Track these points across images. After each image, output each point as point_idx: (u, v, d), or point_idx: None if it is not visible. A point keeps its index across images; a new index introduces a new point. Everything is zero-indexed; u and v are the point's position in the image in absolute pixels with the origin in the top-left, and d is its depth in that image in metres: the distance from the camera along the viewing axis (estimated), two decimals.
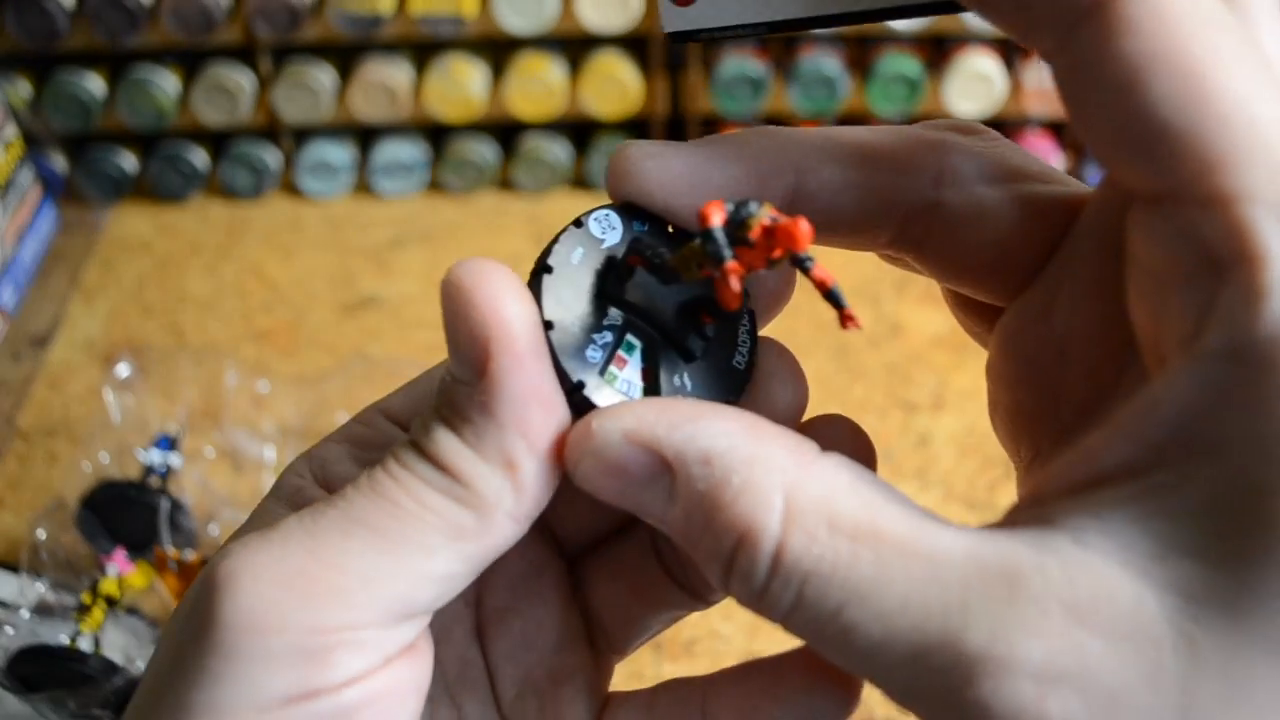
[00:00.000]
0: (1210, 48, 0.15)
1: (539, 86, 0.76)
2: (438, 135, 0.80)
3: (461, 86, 0.75)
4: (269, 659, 0.17)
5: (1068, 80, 0.16)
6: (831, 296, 0.19)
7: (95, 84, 0.75)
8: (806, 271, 0.18)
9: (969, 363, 0.66)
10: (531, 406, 0.19)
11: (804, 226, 0.17)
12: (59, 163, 0.77)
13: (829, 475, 0.17)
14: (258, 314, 0.72)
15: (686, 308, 0.21)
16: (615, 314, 0.20)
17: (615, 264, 0.20)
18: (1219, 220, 0.15)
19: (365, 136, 0.80)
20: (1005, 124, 0.79)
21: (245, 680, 0.17)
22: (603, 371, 0.20)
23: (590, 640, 0.24)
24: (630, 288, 0.20)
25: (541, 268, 0.20)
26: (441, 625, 0.23)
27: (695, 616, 0.55)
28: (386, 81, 0.75)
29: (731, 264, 0.18)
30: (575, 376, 0.19)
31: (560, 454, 0.19)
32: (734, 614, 0.53)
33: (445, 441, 0.19)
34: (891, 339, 0.69)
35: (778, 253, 0.17)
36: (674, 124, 0.79)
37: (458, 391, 0.19)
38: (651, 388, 0.20)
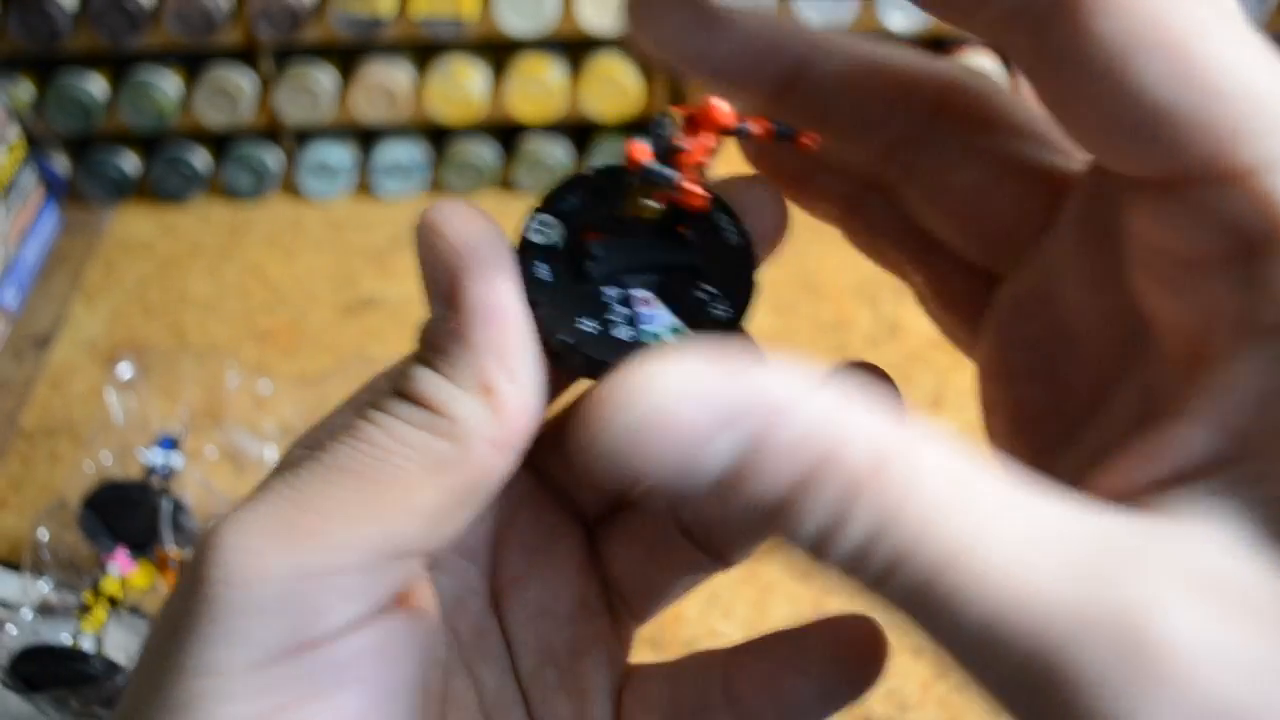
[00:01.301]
0: (1192, 19, 0.14)
1: (539, 88, 0.76)
2: (438, 137, 0.80)
3: (462, 88, 0.76)
4: (257, 611, 0.17)
5: (1046, 75, 0.16)
6: (781, 135, 0.19)
7: (97, 86, 0.75)
8: (747, 136, 0.18)
9: (968, 363, 0.66)
10: (504, 326, 0.19)
11: (718, 104, 0.17)
12: (61, 164, 0.77)
13: (925, 430, 0.15)
14: (259, 314, 0.72)
15: (659, 231, 0.21)
16: (611, 289, 0.20)
17: (576, 250, 0.21)
18: (1243, 195, 0.14)
19: (366, 138, 0.80)
20: None
21: (237, 636, 0.17)
22: (639, 338, 0.20)
23: (610, 608, 0.24)
24: (600, 259, 0.20)
25: (531, 304, 0.20)
26: (456, 594, 0.23)
27: (695, 614, 0.56)
28: (387, 83, 0.75)
29: (682, 182, 0.18)
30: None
31: (554, 366, 0.19)
32: (734, 613, 0.53)
33: (422, 376, 0.19)
34: (891, 339, 0.69)
35: (712, 141, 0.18)
36: None
37: (433, 328, 0.19)
38: (688, 315, 0.20)
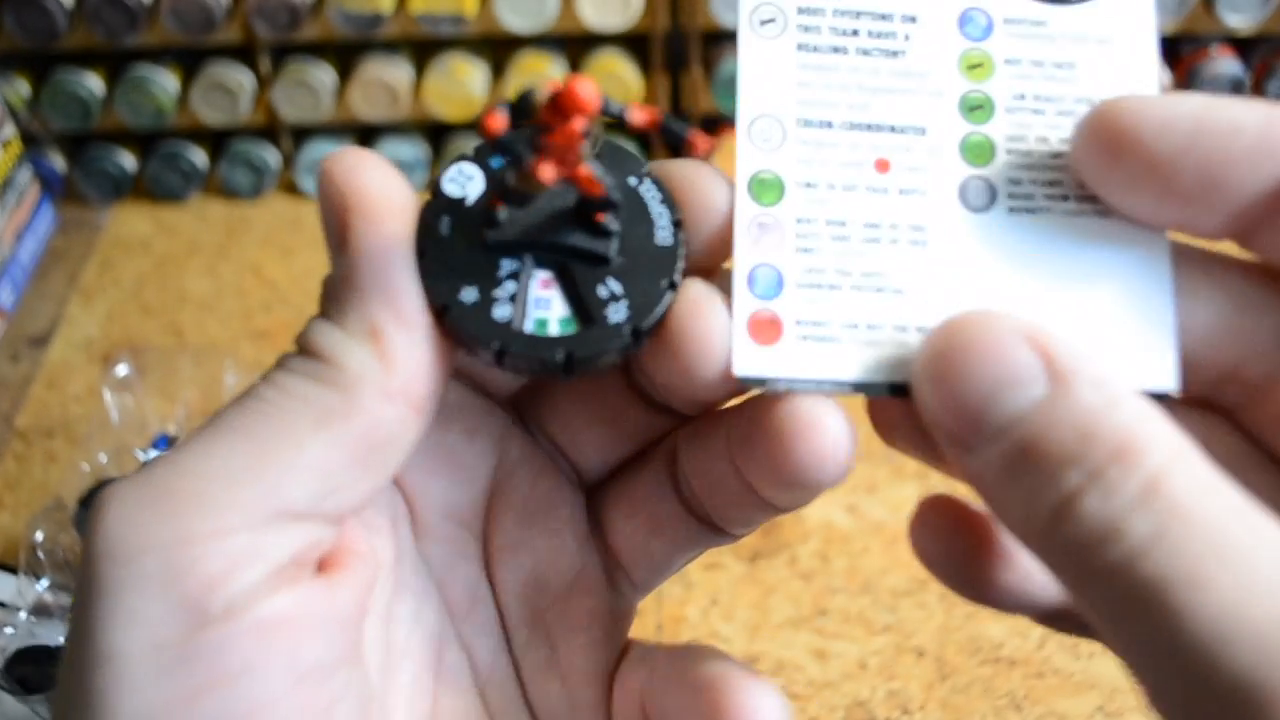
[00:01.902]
0: None
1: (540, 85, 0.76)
2: (438, 134, 0.80)
3: (462, 85, 0.75)
4: (144, 584, 0.16)
5: None
6: (668, 131, 0.18)
7: (94, 83, 0.75)
8: (625, 122, 0.17)
9: None
10: (391, 267, 0.18)
11: (585, 88, 0.16)
12: (58, 162, 0.77)
13: (1207, 458, 0.16)
14: (257, 313, 0.72)
15: (573, 214, 0.19)
16: (509, 261, 0.19)
17: (483, 211, 0.19)
18: None
19: (365, 136, 0.80)
20: None
21: (129, 615, 0.16)
22: (520, 324, 0.19)
23: (610, 580, 0.23)
24: (506, 226, 0.19)
25: (419, 254, 0.19)
26: (447, 561, 0.23)
27: (696, 616, 0.55)
28: (386, 80, 0.75)
29: (533, 161, 0.17)
30: (492, 343, 0.18)
31: (439, 331, 0.18)
32: (735, 615, 0.52)
33: (315, 326, 0.18)
34: None
35: (580, 123, 0.16)
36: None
37: (329, 278, 0.19)
38: (581, 310, 0.19)
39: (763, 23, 0.20)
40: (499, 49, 0.77)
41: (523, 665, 0.23)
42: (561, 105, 0.16)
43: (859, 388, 0.19)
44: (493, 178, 0.20)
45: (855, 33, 0.20)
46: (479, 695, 0.22)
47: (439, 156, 0.79)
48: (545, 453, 0.24)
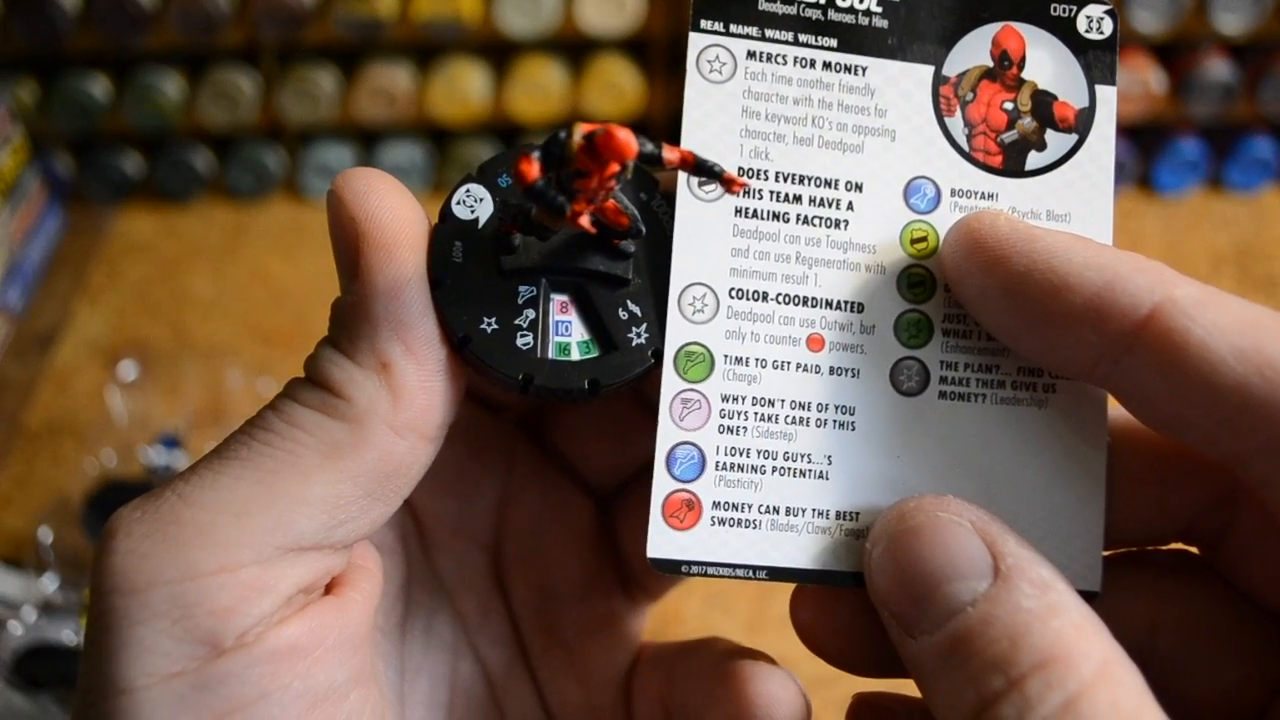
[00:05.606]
0: None
1: (540, 89, 0.76)
2: (440, 138, 0.80)
3: (463, 90, 0.76)
4: (153, 617, 0.16)
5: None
6: (702, 169, 0.17)
7: (100, 87, 0.76)
8: (661, 163, 0.17)
9: None
10: (404, 299, 0.17)
11: (624, 133, 0.15)
12: (64, 165, 0.78)
13: (1139, 677, 0.15)
14: (261, 315, 0.72)
15: (590, 237, 0.19)
16: (526, 287, 0.19)
17: (496, 236, 0.19)
18: None
19: (368, 139, 0.81)
20: None
21: (140, 647, 0.16)
22: (543, 352, 0.18)
23: (623, 586, 0.23)
24: (523, 251, 0.19)
25: (434, 284, 0.18)
26: (458, 576, 0.23)
27: (696, 613, 0.56)
28: (389, 84, 0.76)
29: (573, 210, 0.17)
30: (517, 374, 0.18)
31: (457, 361, 0.18)
32: (734, 610, 0.53)
33: (324, 355, 0.18)
34: None
35: (614, 168, 0.16)
36: (675, 126, 0.79)
37: (340, 304, 0.18)
38: (601, 333, 0.19)
39: (701, 183, 0.19)
40: (500, 53, 0.78)
41: (540, 671, 0.23)
42: (600, 151, 0.16)
43: (774, 574, 0.19)
44: (502, 199, 0.19)
45: (798, 199, 0.19)
46: (495, 704, 0.23)
47: (441, 159, 0.80)
48: (555, 464, 0.24)
